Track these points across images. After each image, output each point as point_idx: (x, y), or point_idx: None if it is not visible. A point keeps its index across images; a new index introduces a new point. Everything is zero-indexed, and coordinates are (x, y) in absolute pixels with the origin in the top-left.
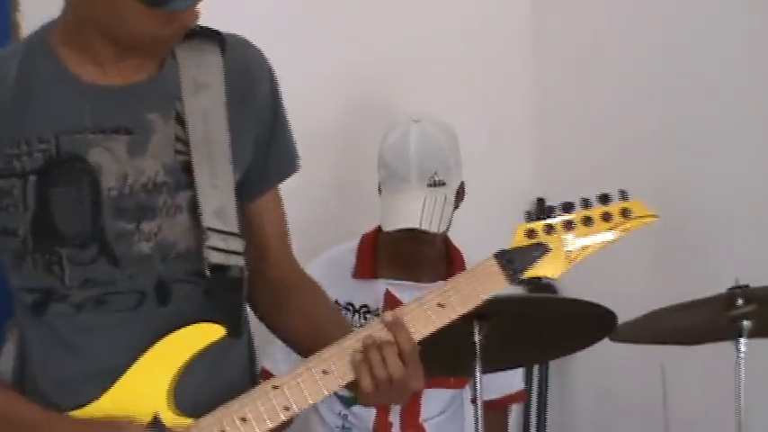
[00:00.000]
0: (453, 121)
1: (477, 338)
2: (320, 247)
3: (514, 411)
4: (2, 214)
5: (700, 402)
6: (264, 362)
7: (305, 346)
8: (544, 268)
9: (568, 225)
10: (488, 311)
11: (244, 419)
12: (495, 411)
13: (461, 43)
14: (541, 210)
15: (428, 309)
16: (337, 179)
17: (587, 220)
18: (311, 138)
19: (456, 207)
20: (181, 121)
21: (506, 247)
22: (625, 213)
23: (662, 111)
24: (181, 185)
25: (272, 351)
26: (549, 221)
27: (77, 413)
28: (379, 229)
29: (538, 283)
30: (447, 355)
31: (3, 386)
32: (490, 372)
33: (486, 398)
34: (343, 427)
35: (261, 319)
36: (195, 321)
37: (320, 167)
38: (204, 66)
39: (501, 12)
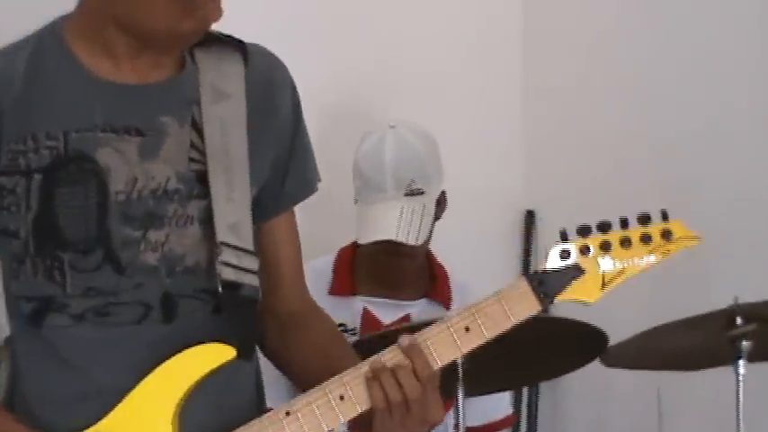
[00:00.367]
0: (440, 130)
1: (458, 359)
2: None
3: None
4: (3, 214)
5: (697, 428)
6: None
7: (312, 374)
8: (578, 292)
9: (605, 246)
10: None
11: None
12: None
13: (450, 52)
14: (564, 236)
15: (454, 332)
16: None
17: (625, 242)
18: None
19: (437, 218)
20: (197, 127)
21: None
22: (666, 235)
23: (657, 121)
24: (193, 195)
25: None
26: (585, 242)
27: None
28: (357, 243)
29: None
30: None
31: None
32: (474, 395)
33: (470, 424)
34: None
35: (265, 349)
36: (201, 341)
37: None
38: (225, 74)
39: (491, 21)
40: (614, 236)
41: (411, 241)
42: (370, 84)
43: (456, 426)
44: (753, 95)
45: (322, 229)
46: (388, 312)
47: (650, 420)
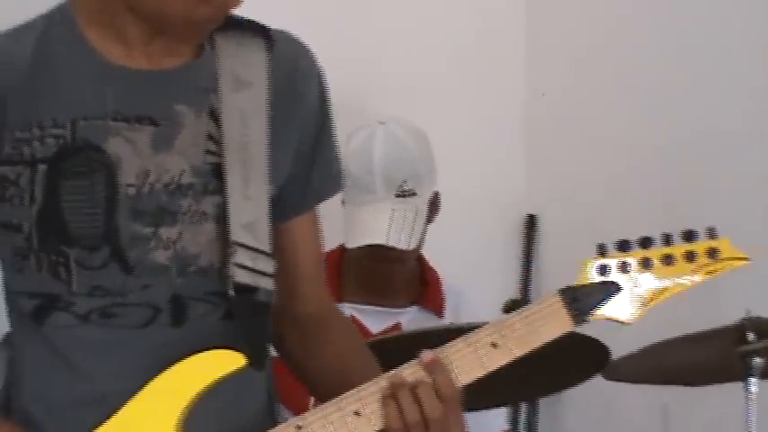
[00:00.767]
0: (437, 130)
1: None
2: None
3: None
4: (6, 206)
5: None
6: None
7: (333, 390)
8: (614, 310)
9: (646, 263)
10: None
11: None
12: None
13: (448, 48)
14: (602, 250)
15: (480, 348)
16: None
17: (668, 259)
18: None
19: (429, 221)
20: (215, 117)
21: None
22: (712, 254)
23: (663, 123)
24: (209, 190)
25: None
26: (624, 257)
27: None
28: (344, 247)
29: None
30: None
31: None
32: (467, 411)
33: None
34: None
35: (283, 357)
36: (211, 347)
37: None
38: (247, 62)
39: (492, 17)
40: (656, 252)
41: (402, 246)
42: (362, 79)
43: None
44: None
45: None
46: (376, 320)
47: None
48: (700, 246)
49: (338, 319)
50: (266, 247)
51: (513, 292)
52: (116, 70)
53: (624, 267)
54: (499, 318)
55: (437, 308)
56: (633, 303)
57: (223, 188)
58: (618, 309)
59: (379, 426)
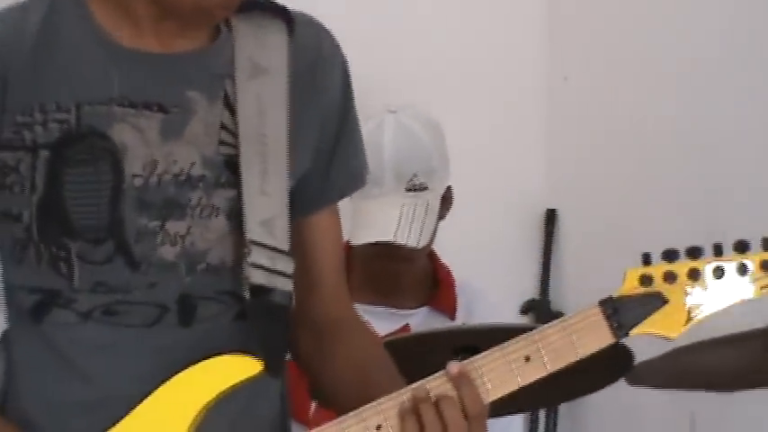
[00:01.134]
0: (452, 120)
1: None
2: None
3: None
4: (5, 193)
5: None
6: None
7: (350, 401)
8: (658, 325)
9: (694, 274)
10: (477, 342)
11: None
12: None
13: (465, 35)
14: (647, 259)
15: (512, 361)
16: None
17: (718, 271)
18: None
19: (442, 217)
20: (229, 105)
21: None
22: (766, 267)
23: (690, 114)
24: (221, 183)
25: None
26: (670, 267)
27: None
28: (348, 243)
29: (546, 311)
30: None
31: None
32: None
33: None
34: None
35: (297, 359)
36: (222, 349)
37: None
38: (265, 46)
39: (513, 3)
40: (705, 263)
41: (412, 243)
42: (371, 64)
43: None
44: None
45: None
46: (384, 322)
47: None
48: (754, 257)
49: (358, 324)
50: (284, 246)
51: (531, 291)
52: (124, 52)
53: (670, 278)
54: (535, 330)
55: (449, 309)
56: (678, 318)
57: (237, 182)
58: (662, 323)
59: None
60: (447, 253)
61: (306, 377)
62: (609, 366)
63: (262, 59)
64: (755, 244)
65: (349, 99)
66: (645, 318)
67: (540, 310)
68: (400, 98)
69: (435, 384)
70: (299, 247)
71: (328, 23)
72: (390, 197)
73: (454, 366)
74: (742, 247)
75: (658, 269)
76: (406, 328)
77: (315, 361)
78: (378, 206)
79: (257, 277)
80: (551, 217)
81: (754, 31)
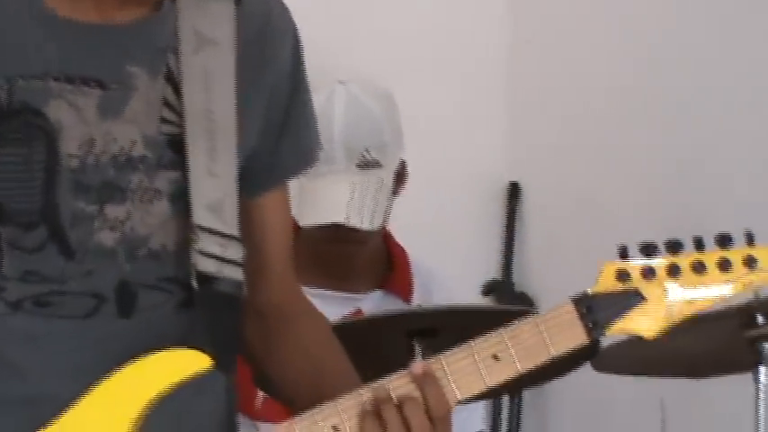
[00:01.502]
0: (408, 91)
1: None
2: None
3: None
4: None
5: None
6: None
7: (299, 395)
8: (635, 323)
9: (673, 270)
10: (433, 326)
11: None
12: None
13: (422, 1)
14: (624, 253)
15: (480, 360)
16: None
17: (699, 267)
18: None
19: (396, 193)
20: (173, 81)
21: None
22: (749, 263)
23: (663, 83)
24: (163, 164)
25: None
26: (649, 262)
27: None
28: (295, 225)
29: (509, 292)
30: None
31: None
32: None
33: None
34: None
35: (242, 352)
36: (166, 342)
37: None
38: (211, 16)
39: None
40: (686, 258)
41: (365, 225)
42: (317, 30)
43: None
44: None
45: None
46: (334, 307)
47: None
48: (736, 253)
49: (307, 310)
50: (234, 231)
51: (493, 271)
52: (61, 22)
53: (648, 274)
54: (506, 328)
55: (404, 291)
56: (657, 316)
57: (182, 163)
58: (639, 321)
59: None
60: (402, 232)
61: (250, 367)
62: (574, 351)
63: (207, 30)
64: (731, 229)
65: (300, 70)
66: (621, 316)
67: (503, 291)
68: (350, 68)
69: (398, 384)
70: (244, 230)
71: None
72: (340, 175)
73: (418, 366)
74: (724, 242)
75: (636, 264)
76: (358, 312)
77: (261, 350)
78: (327, 184)
79: (205, 265)
80: (514, 191)
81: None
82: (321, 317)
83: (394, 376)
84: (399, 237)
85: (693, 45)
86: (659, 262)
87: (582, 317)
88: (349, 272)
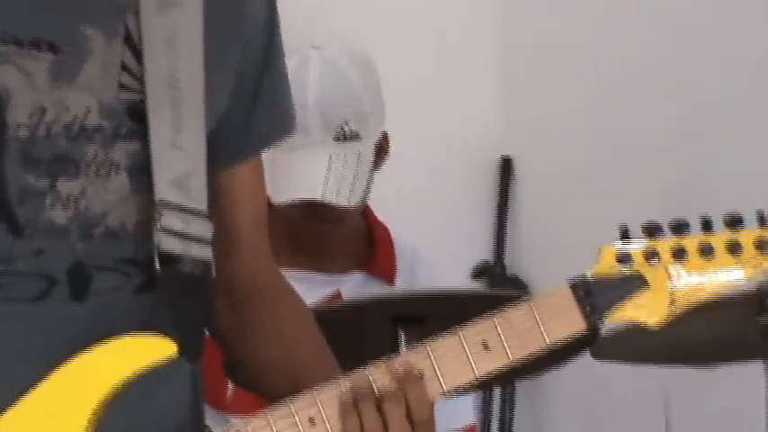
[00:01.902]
0: (391, 56)
1: (403, 351)
2: None
3: None
4: None
5: None
6: None
7: (273, 382)
8: (637, 309)
9: (679, 253)
10: (418, 313)
11: None
12: None
13: None
14: (625, 234)
15: (468, 347)
16: None
17: (706, 249)
18: None
19: (377, 168)
20: (132, 43)
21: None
22: (761, 245)
23: (662, 56)
24: (121, 134)
25: None
26: (652, 244)
27: None
28: (269, 201)
29: (500, 275)
30: None
31: None
32: None
33: None
34: None
35: (212, 334)
36: (122, 328)
37: None
38: None
39: None
40: (692, 240)
41: (342, 202)
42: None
43: None
44: None
45: None
46: (310, 289)
47: (655, 431)
48: (747, 235)
49: (284, 290)
50: (201, 207)
51: (483, 252)
52: None
53: (651, 257)
54: (495, 313)
55: (387, 273)
56: (660, 303)
57: (142, 132)
58: (641, 308)
59: None
60: (384, 209)
61: (219, 349)
62: (571, 339)
63: None
64: (735, 204)
65: (274, 28)
66: (622, 301)
67: (494, 274)
68: (326, 31)
69: (379, 375)
70: (214, 204)
71: None
72: (316, 148)
73: (399, 363)
74: (733, 223)
75: (638, 246)
76: (337, 295)
77: (233, 335)
78: (302, 158)
79: (169, 244)
80: (507, 166)
81: None
82: (299, 299)
83: (376, 365)
84: (382, 215)
85: (692, 13)
86: (663, 244)
87: (579, 301)
88: (326, 251)
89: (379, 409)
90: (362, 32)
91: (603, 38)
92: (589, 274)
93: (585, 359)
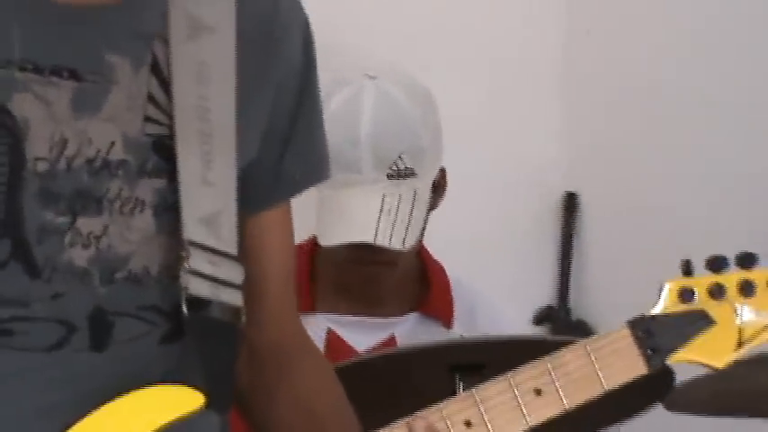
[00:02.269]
0: (450, 88)
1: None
2: None
3: None
4: None
5: None
6: None
7: None
8: (702, 351)
9: (747, 288)
10: (477, 360)
11: None
12: None
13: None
14: (687, 268)
15: (520, 395)
16: None
17: None
18: None
19: (433, 207)
20: (159, 73)
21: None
22: None
23: (734, 85)
24: (147, 170)
25: None
26: (717, 279)
27: None
28: (315, 242)
29: (565, 320)
30: None
31: None
32: None
33: None
34: None
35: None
36: (145, 381)
37: None
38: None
39: None
40: (760, 274)
41: (396, 245)
42: (344, 14)
43: None
44: None
45: None
46: (363, 334)
47: None
48: None
49: (309, 352)
50: (232, 249)
51: (546, 296)
52: (28, 2)
53: (717, 293)
54: (550, 356)
55: (443, 315)
56: (727, 342)
57: (169, 169)
58: (706, 348)
59: None
60: (441, 250)
61: (246, 422)
62: (644, 389)
63: (203, 14)
64: None
65: (311, 69)
66: (685, 342)
67: (558, 319)
68: (381, 61)
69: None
70: (241, 249)
71: None
72: (369, 186)
73: (420, 422)
74: None
75: (702, 281)
76: (391, 339)
77: (250, 395)
78: (353, 197)
79: (197, 287)
80: (571, 202)
81: None
82: (323, 360)
83: (397, 425)
84: (438, 256)
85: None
86: (729, 278)
87: (639, 342)
88: (378, 295)
89: None
90: (418, 62)
91: (676, 64)
92: (649, 313)
93: (657, 409)
